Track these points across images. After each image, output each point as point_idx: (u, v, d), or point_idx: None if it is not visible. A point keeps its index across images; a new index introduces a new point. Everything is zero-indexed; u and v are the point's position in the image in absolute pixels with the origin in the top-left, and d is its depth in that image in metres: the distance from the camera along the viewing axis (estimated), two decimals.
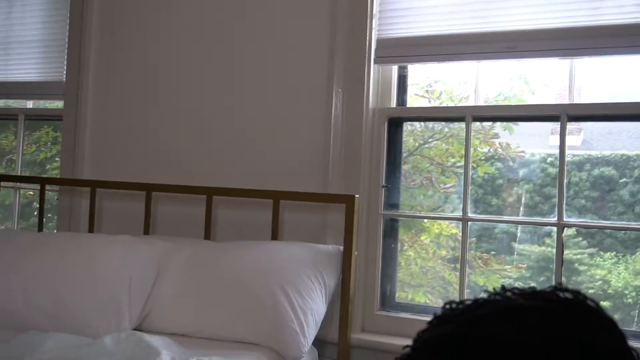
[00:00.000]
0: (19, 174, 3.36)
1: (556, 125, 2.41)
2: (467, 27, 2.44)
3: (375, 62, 2.58)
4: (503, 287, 0.73)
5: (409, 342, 2.11)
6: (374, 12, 2.56)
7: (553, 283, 2.38)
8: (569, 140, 2.39)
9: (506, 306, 0.69)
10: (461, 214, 2.48)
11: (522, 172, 2.55)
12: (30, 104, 3.46)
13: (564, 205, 2.30)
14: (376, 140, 2.59)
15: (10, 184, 3.29)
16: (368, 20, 2.53)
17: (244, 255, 2.34)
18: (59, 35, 3.21)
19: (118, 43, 3.04)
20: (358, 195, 2.40)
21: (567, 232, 2.39)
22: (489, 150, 2.59)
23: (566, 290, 0.71)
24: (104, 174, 2.96)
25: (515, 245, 2.55)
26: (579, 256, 2.42)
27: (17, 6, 3.37)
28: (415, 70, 2.70)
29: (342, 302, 2.37)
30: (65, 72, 3.14)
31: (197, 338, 2.19)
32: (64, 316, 2.18)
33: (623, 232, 2.33)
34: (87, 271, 2.27)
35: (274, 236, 2.50)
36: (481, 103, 2.54)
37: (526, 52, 2.37)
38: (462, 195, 2.48)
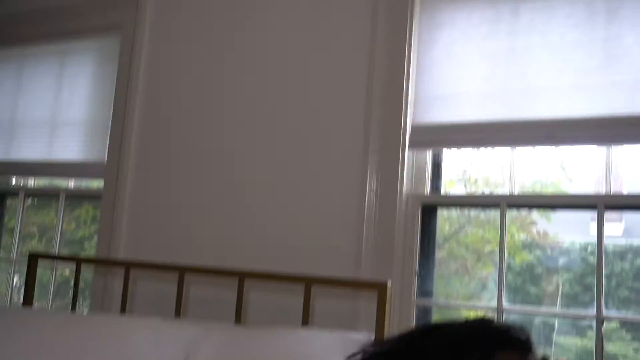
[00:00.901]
0: (56, 253, 3.41)
1: (595, 215, 2.36)
2: (501, 114, 2.44)
3: (409, 148, 2.58)
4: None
5: None
6: (409, 98, 2.58)
7: None
8: (609, 229, 2.33)
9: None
10: (496, 304, 2.41)
11: (561, 261, 2.48)
12: (71, 183, 3.54)
13: (603, 297, 2.22)
14: (410, 227, 2.57)
15: (47, 262, 3.33)
16: (403, 107, 2.56)
17: (274, 344, 2.29)
18: (103, 117, 3.31)
19: (159, 126, 3.12)
20: (390, 283, 2.36)
21: (610, 324, 2.30)
22: (526, 237, 2.54)
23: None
24: (139, 255, 2.99)
25: (554, 336, 2.46)
26: (623, 350, 2.32)
27: (65, 89, 3.51)
28: (451, 156, 2.70)
29: None
30: (106, 153, 3.22)
31: None
32: None
33: None
34: (116, 356, 2.25)
35: (305, 322, 2.46)
36: (517, 190, 2.51)
37: (562, 139, 2.35)
38: (503, 284, 2.42)
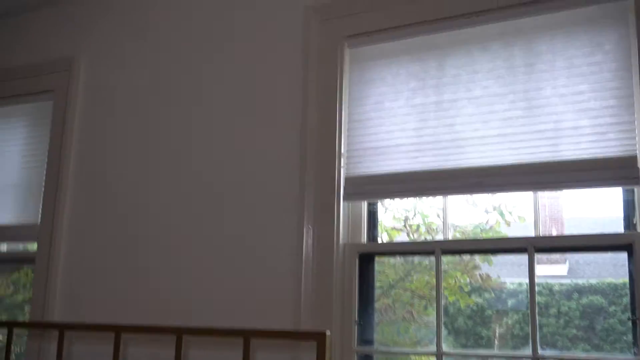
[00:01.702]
0: None
1: (540, 256, 2.45)
2: (432, 164, 2.53)
3: (344, 199, 2.63)
4: None
5: None
6: (342, 151, 2.65)
7: None
8: (554, 269, 2.41)
9: None
10: (435, 349, 2.44)
11: (510, 303, 2.53)
12: (4, 247, 3.45)
13: (537, 338, 2.28)
14: (347, 276, 2.60)
15: None
16: (336, 160, 2.62)
17: None
18: (36, 179, 3.27)
19: (92, 187, 3.10)
20: (329, 332, 2.36)
21: None
22: (470, 281, 2.60)
23: None
24: (75, 316, 2.91)
25: None
26: None
27: None
28: (391, 205, 2.76)
29: None
30: (40, 215, 3.17)
31: None
32: None
33: None
34: None
35: None
36: (455, 235, 2.58)
37: (491, 187, 2.44)
38: (440, 329, 2.45)
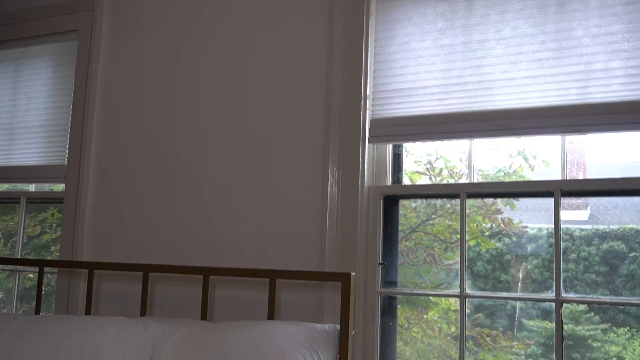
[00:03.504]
0: (18, 257, 3.38)
1: (562, 201, 2.43)
2: (458, 106, 2.50)
3: (369, 142, 2.62)
4: None
5: None
6: (367, 93, 2.62)
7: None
8: (575, 215, 2.40)
9: None
10: (459, 291, 2.46)
11: (530, 248, 2.53)
12: (32, 187, 3.50)
13: (561, 281, 2.29)
14: (372, 218, 2.61)
15: (10, 266, 3.30)
16: (362, 102, 2.60)
17: (240, 337, 2.31)
18: (62, 121, 3.29)
19: (119, 128, 3.11)
20: (354, 273, 2.39)
21: (579, 307, 2.37)
22: (491, 226, 2.60)
23: None
24: (103, 256, 2.97)
25: (525, 321, 2.50)
26: (592, 332, 2.38)
27: (22, 94, 3.47)
28: (416, 148, 2.75)
29: None
30: (67, 156, 3.20)
31: None
32: None
33: (636, 307, 2.28)
34: (80, 355, 2.25)
35: (271, 315, 2.48)
36: (480, 179, 2.57)
37: (517, 130, 2.41)
38: (464, 271, 2.46)
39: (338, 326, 2.37)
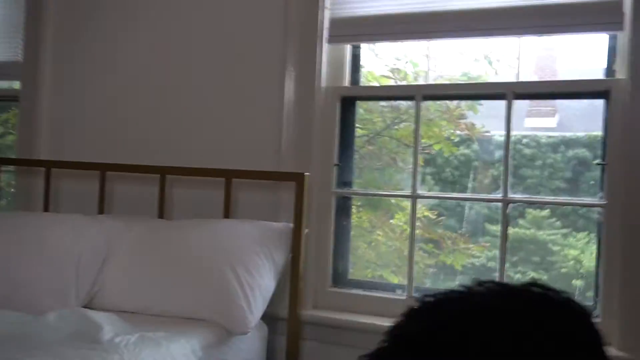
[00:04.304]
0: None
1: (531, 107, 2.46)
2: (418, 6, 2.46)
3: (328, 42, 2.59)
4: (479, 282, 0.70)
5: (360, 318, 2.16)
6: None
7: (517, 261, 2.43)
8: (544, 122, 2.42)
9: (481, 306, 0.68)
10: (411, 191, 2.51)
11: (497, 154, 2.53)
12: None
13: (508, 182, 2.34)
14: (328, 119, 2.61)
15: None
16: (320, 1, 2.54)
17: (194, 234, 2.36)
18: (16, 15, 3.19)
19: (75, 22, 3.03)
20: (308, 173, 2.42)
21: (542, 213, 2.43)
22: (455, 131, 2.61)
23: (540, 286, 0.69)
24: (62, 155, 2.96)
25: (488, 226, 2.55)
26: (553, 237, 2.45)
27: None
28: (383, 51, 2.72)
29: (291, 279, 2.40)
30: (22, 52, 3.12)
31: (146, 315, 2.22)
32: (12, 294, 2.19)
33: (597, 213, 2.33)
34: (36, 249, 2.29)
35: (226, 214, 2.53)
36: (438, 82, 2.57)
37: (477, 31, 2.40)
38: (417, 172, 2.50)
39: (292, 225, 2.42)
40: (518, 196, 2.38)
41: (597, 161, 2.31)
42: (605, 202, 2.22)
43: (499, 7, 2.35)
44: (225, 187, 2.53)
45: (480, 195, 2.52)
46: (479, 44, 2.57)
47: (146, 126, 2.84)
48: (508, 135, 2.36)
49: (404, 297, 2.47)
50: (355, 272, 2.71)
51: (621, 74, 2.19)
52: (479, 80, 2.60)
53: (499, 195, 2.39)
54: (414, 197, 2.50)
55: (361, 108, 2.75)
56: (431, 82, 2.57)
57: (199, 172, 2.57)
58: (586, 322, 0.68)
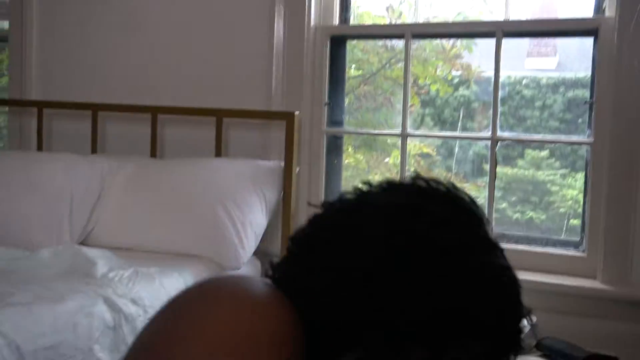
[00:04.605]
0: None
1: (531, 48, 2.44)
2: None
3: None
4: (369, 183, 0.76)
5: None
6: None
7: (515, 201, 2.47)
8: (544, 62, 2.39)
9: (367, 202, 0.74)
10: (401, 130, 2.52)
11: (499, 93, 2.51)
12: None
13: (498, 120, 2.36)
14: (318, 58, 2.60)
15: None
16: None
17: (186, 172, 2.39)
18: None
19: None
20: (298, 112, 2.43)
21: (541, 153, 2.44)
22: (451, 72, 2.60)
23: (424, 179, 0.75)
24: (53, 95, 2.96)
25: (486, 167, 2.52)
26: (551, 177, 2.47)
27: None
28: None
29: (283, 215, 2.44)
30: None
31: (140, 251, 2.26)
32: (6, 231, 2.23)
33: (585, 151, 2.34)
34: (29, 187, 2.31)
35: (218, 153, 2.54)
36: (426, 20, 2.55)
37: None
38: (406, 111, 2.50)
39: (283, 163, 2.44)
40: (506, 134, 2.40)
41: (585, 100, 2.32)
42: (592, 140, 2.24)
43: None
44: (216, 126, 2.54)
45: (469, 134, 2.54)
46: None
47: (137, 66, 2.83)
48: (497, 75, 2.36)
49: None
50: None
51: (610, 11, 2.18)
52: (470, 19, 2.58)
53: (487, 134, 2.40)
54: (403, 136, 2.52)
55: (357, 48, 2.74)
56: (421, 20, 2.56)
57: (190, 112, 2.58)
58: (462, 206, 0.72)
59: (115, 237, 2.31)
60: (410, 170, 2.56)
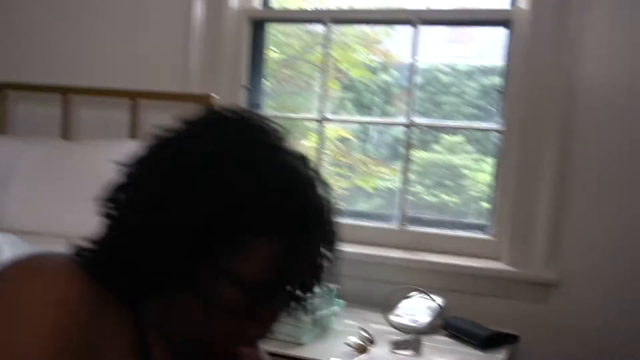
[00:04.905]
0: None
1: (452, 34, 2.49)
2: None
3: None
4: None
5: None
6: None
7: (430, 185, 2.52)
8: (462, 49, 2.45)
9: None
10: (318, 115, 2.54)
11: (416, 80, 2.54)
12: None
13: (414, 109, 2.41)
14: (238, 41, 2.59)
15: None
16: None
17: (99, 155, 2.33)
18: None
19: None
20: (214, 95, 2.41)
21: (455, 138, 2.49)
22: (369, 56, 2.62)
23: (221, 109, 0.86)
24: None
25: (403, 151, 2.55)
26: (466, 162, 2.52)
27: None
28: None
29: None
30: None
31: (51, 236, 2.19)
32: None
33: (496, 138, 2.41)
34: None
35: (132, 135, 2.50)
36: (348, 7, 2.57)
37: None
38: (325, 96, 2.52)
39: None
40: (421, 120, 2.45)
41: (497, 88, 2.39)
42: (503, 129, 2.32)
43: None
44: (130, 108, 2.50)
45: (385, 119, 2.58)
46: None
47: (51, 45, 2.74)
48: (413, 61, 2.41)
49: None
50: None
51: (525, 4, 2.25)
52: (390, 7, 2.60)
53: (402, 119, 2.45)
54: (320, 120, 2.54)
55: (279, 31, 2.73)
56: (342, 7, 2.57)
57: (104, 93, 2.52)
58: (253, 128, 0.81)
59: (24, 220, 2.24)
60: (327, 153, 2.58)
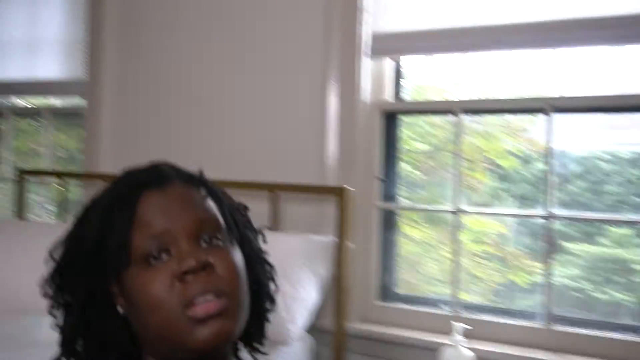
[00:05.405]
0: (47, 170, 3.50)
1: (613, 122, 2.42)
2: (457, 21, 2.47)
3: (369, 56, 2.61)
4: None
5: (407, 332, 2.22)
6: (364, 6, 2.58)
7: (605, 282, 2.40)
8: (624, 135, 2.38)
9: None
10: (453, 207, 2.52)
11: (578, 169, 2.46)
12: (57, 102, 3.61)
13: (548, 197, 2.33)
14: (370, 133, 2.65)
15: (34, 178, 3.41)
16: (360, 14, 2.56)
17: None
18: (78, 35, 3.34)
19: (135, 41, 3.17)
20: (351, 188, 2.45)
21: (627, 231, 2.35)
22: (515, 145, 2.54)
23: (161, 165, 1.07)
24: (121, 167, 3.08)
25: (566, 244, 2.42)
26: (638, 257, 2.35)
27: (41, 4, 3.52)
28: (425, 64, 2.74)
29: (336, 292, 2.44)
30: (87, 70, 3.26)
31: None
32: None
33: None
34: None
35: (274, 227, 2.57)
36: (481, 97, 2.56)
37: (511, 44, 2.39)
38: (458, 186, 2.51)
39: (334, 237, 2.46)
40: (562, 212, 2.35)
41: None
42: None
43: (531, 22, 2.34)
44: (271, 200, 2.59)
45: (523, 211, 2.50)
46: (529, 55, 2.51)
47: (198, 142, 2.94)
48: (549, 151, 2.34)
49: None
50: (420, 287, 2.73)
51: None
52: (525, 95, 2.55)
53: (541, 212, 2.37)
54: (456, 212, 2.51)
55: (424, 122, 2.76)
56: (474, 97, 2.57)
57: (246, 185, 2.64)
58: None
59: None
60: (466, 250, 2.53)
